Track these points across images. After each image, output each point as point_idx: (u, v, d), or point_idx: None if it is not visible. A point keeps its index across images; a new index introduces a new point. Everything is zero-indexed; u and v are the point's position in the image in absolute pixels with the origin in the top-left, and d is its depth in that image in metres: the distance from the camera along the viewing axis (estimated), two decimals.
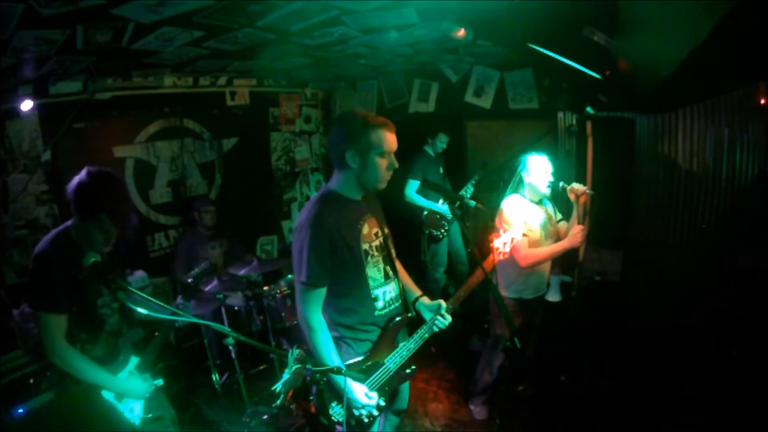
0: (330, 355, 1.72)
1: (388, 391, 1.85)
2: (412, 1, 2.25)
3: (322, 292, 1.77)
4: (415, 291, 2.06)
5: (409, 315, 1.95)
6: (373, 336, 1.86)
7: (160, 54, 2.80)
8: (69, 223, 1.82)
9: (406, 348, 1.87)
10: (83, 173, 1.75)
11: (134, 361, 1.96)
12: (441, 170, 4.29)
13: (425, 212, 4.22)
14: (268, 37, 2.66)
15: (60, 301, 1.70)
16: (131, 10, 1.95)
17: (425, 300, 2.01)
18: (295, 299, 1.81)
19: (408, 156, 4.23)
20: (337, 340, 1.84)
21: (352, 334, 1.84)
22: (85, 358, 1.76)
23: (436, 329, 1.92)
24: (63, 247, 1.75)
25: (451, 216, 4.08)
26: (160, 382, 1.98)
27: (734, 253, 3.02)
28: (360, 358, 1.82)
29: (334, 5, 2.23)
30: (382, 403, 1.82)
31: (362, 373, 1.74)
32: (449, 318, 1.93)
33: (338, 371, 1.45)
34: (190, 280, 2.23)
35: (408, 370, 1.93)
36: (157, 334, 2.05)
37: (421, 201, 4.15)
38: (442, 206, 4.10)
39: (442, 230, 4.23)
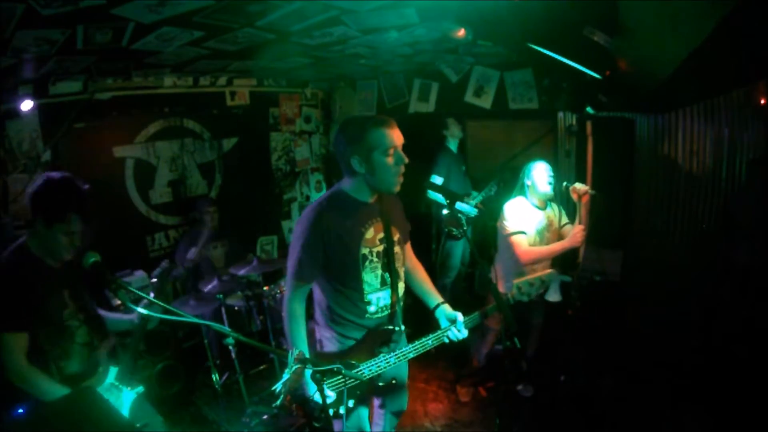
0: (301, 345, 1.73)
1: (360, 395, 1.82)
2: (412, 1, 2.25)
3: (308, 286, 1.80)
4: (437, 297, 1.98)
5: (397, 328, 1.88)
6: (359, 336, 1.85)
7: (160, 54, 2.80)
8: (24, 237, 1.73)
9: (385, 360, 1.78)
10: (42, 179, 1.68)
11: (113, 371, 1.90)
12: (463, 168, 4.25)
13: (444, 210, 4.09)
14: (268, 37, 2.66)
15: (19, 319, 1.63)
16: (131, 10, 1.95)
17: (446, 308, 1.92)
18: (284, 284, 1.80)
19: (423, 155, 4.19)
20: (327, 333, 1.87)
21: (341, 330, 1.85)
22: (46, 377, 1.68)
23: (446, 340, 1.86)
24: (22, 261, 1.68)
25: (474, 214, 4.03)
26: (140, 389, 1.94)
27: (730, 250, 3.02)
28: (337, 353, 1.82)
29: (334, 5, 2.23)
30: (351, 405, 1.78)
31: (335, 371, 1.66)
32: (465, 333, 1.85)
33: (338, 371, 1.44)
34: (154, 280, 2.18)
35: (381, 383, 1.85)
36: (128, 340, 1.97)
37: (442, 199, 4.03)
38: (464, 205, 4.02)
39: (462, 229, 4.18)
